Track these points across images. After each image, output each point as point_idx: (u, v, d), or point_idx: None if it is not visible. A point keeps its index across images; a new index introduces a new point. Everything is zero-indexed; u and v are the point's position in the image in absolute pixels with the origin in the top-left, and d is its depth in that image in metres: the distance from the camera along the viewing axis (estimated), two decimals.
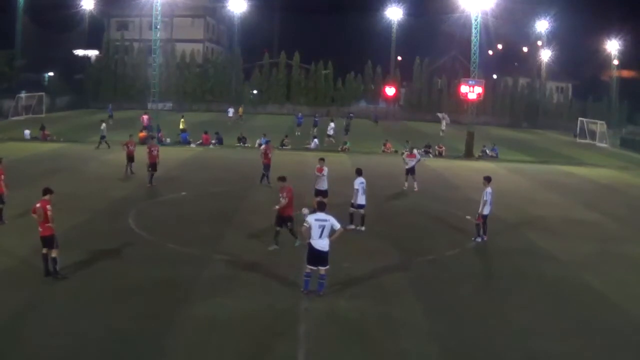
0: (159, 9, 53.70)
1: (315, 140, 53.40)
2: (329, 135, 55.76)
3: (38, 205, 16.90)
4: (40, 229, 16.83)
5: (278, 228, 20.54)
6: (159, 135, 50.69)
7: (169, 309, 15.18)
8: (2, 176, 22.85)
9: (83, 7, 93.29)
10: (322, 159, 26.94)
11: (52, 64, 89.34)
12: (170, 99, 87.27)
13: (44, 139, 49.90)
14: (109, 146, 45.11)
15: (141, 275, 17.52)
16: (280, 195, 20.44)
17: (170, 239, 21.25)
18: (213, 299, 15.92)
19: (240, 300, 15.89)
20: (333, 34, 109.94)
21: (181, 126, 54.93)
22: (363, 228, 23.42)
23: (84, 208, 25.34)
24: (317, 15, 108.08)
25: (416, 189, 33.42)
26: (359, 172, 24.04)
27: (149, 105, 56.55)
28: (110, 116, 65.91)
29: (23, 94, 73.50)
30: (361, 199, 23.52)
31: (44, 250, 16.83)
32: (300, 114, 70.63)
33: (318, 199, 23.51)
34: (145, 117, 55.41)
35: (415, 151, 36.15)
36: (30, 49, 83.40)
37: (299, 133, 61.97)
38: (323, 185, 26.09)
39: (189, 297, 16.01)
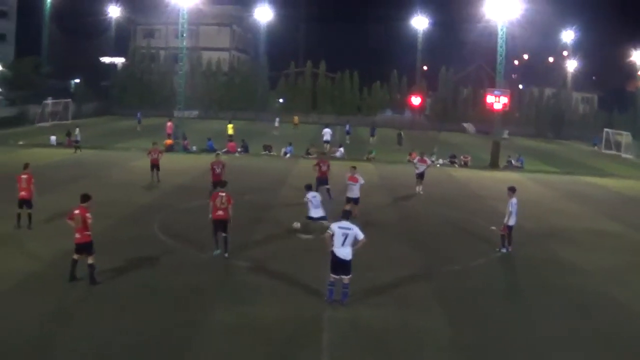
0: (185, 17, 53.98)
1: (341, 149, 53.41)
2: (327, 142, 56.18)
3: (77, 211, 16.96)
4: (78, 235, 16.89)
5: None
6: (185, 142, 50.97)
7: (194, 315, 15.25)
8: (32, 181, 23.06)
9: (110, 15, 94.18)
10: (353, 167, 27.19)
11: (78, 71, 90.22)
12: (196, 107, 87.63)
13: (70, 145, 50.31)
14: (80, 151, 46.74)
15: (167, 282, 17.62)
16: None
17: (195, 246, 21.35)
18: (237, 306, 15.96)
19: (265, 308, 15.92)
20: (359, 43, 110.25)
21: (230, 132, 55.46)
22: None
23: (109, 214, 25.39)
24: (343, 24, 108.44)
25: (421, 193, 34.44)
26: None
27: (175, 113, 56.76)
28: (139, 123, 66.33)
29: (49, 101, 74.22)
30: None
31: (76, 256, 16.93)
32: (348, 124, 70.82)
33: (348, 207, 23.57)
34: (169, 123, 55.73)
35: (426, 157, 37.20)
36: (57, 56, 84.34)
37: (348, 142, 62.40)
38: (354, 193, 26.18)
39: (214, 304, 16.07)
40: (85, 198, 17.34)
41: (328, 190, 29.76)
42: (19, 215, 22.73)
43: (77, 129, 49.29)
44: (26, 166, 23.72)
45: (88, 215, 16.94)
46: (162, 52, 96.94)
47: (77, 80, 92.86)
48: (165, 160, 35.37)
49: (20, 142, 51.67)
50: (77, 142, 48.19)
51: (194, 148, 50.95)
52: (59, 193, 29.52)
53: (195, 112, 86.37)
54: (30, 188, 22.89)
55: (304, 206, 24.01)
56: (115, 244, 21.05)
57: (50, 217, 24.13)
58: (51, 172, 36.07)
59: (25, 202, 22.77)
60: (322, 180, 30.25)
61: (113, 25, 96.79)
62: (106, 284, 17.09)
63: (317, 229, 22.94)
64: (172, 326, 14.58)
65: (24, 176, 23.02)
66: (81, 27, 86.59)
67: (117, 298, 16.19)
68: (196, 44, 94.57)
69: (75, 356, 12.96)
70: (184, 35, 54.81)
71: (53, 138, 51.85)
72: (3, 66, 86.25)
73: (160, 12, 75.04)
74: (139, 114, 71.40)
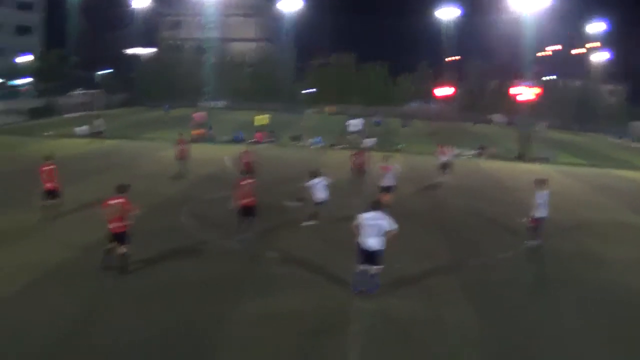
0: (212, 8, 54.13)
1: (371, 140, 53.27)
2: (353, 133, 55.90)
3: (114, 201, 17.12)
4: (114, 225, 17.05)
5: None
6: (210, 132, 51.20)
7: (221, 305, 15.39)
8: (55, 173, 23.15)
9: (136, 6, 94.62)
10: (387, 156, 27.30)
11: (105, 62, 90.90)
12: (223, 98, 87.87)
13: (97, 136, 50.68)
14: (104, 141, 47.04)
15: (194, 272, 17.77)
16: None
17: (222, 236, 21.45)
18: (265, 296, 16.10)
19: (292, 298, 16.05)
20: (387, 33, 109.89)
21: (263, 122, 55.78)
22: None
23: (137, 204, 25.60)
24: (371, 15, 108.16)
25: (445, 181, 34.63)
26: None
27: (202, 104, 57.08)
28: (167, 113, 66.75)
29: (77, 92, 74.85)
30: None
31: (110, 245, 17.13)
32: (376, 116, 70.70)
33: (382, 196, 23.67)
34: (198, 114, 55.94)
35: (448, 148, 37.45)
36: (84, 47, 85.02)
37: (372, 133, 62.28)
38: (388, 181, 26.23)
39: (241, 294, 16.20)
40: (124, 188, 17.53)
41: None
42: (45, 207, 22.89)
43: (101, 119, 49.70)
44: (49, 157, 23.72)
45: (130, 205, 17.23)
46: (188, 43, 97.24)
47: (105, 72, 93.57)
48: (193, 150, 35.48)
49: (48, 133, 52.17)
50: (100, 132, 48.57)
51: (224, 138, 51.09)
52: (87, 183, 29.85)
53: (221, 103, 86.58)
54: (55, 179, 23.00)
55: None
56: (143, 235, 21.01)
57: (78, 207, 24.37)
58: (79, 163, 36.41)
59: (51, 193, 22.92)
60: (358, 172, 30.42)
61: (140, 16, 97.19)
62: (135, 274, 17.27)
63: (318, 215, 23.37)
64: (199, 316, 14.71)
65: (48, 167, 23.08)
66: (108, 18, 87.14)
67: (145, 288, 16.37)
68: (222, 34, 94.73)
69: (103, 345, 13.15)
70: (211, 26, 54.96)
71: (81, 129, 52.27)
72: (32, 58, 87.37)
73: (187, 3, 75.49)
74: (167, 105, 71.74)
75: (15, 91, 79.35)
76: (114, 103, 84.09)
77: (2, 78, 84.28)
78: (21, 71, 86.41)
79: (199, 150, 38.61)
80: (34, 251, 19.17)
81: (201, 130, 51.61)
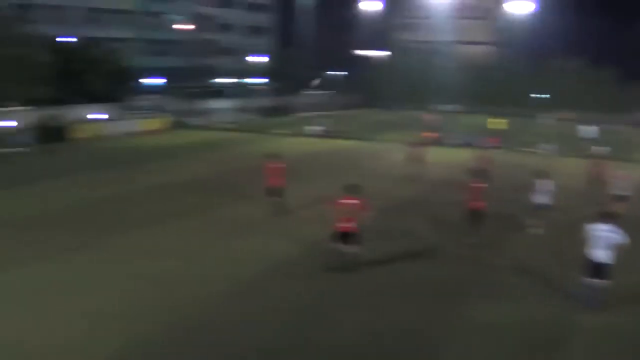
0: (443, 10, 54.36)
1: (604, 148, 51.26)
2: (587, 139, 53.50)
3: (348, 201, 17.64)
4: (346, 224, 17.50)
5: None
6: (442, 136, 51.28)
7: (445, 309, 15.60)
8: (282, 171, 24.46)
9: (368, 8, 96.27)
10: (620, 165, 26.49)
11: (339, 63, 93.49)
12: (456, 101, 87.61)
13: (329, 136, 52.61)
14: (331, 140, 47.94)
15: (420, 274, 18.07)
16: None
17: (451, 240, 21.74)
18: (491, 303, 16.13)
19: (517, 307, 15.98)
20: (623, 37, 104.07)
21: (500, 127, 55.22)
22: None
23: (371, 205, 26.54)
24: (609, 18, 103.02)
25: None
26: None
27: (434, 107, 57.40)
28: (400, 115, 67.77)
29: (312, 92, 77.87)
30: None
31: (336, 245, 17.74)
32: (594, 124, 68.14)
33: (614, 206, 22.79)
34: (428, 116, 56.20)
35: None
36: (319, 48, 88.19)
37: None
38: (622, 190, 25.59)
39: (468, 300, 16.35)
40: (357, 189, 18.02)
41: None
42: (272, 203, 24.39)
43: (330, 120, 51.46)
44: (275, 155, 25.12)
45: (367, 207, 17.78)
46: (423, 46, 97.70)
47: (339, 73, 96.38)
48: (427, 153, 35.85)
49: (281, 131, 55.06)
50: (328, 132, 50.31)
51: (454, 141, 51.11)
52: (318, 182, 31.36)
53: (454, 106, 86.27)
54: (281, 177, 24.27)
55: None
56: (372, 236, 21.67)
57: (307, 205, 25.90)
58: (312, 161, 38.31)
59: (275, 190, 24.24)
60: (595, 181, 29.69)
61: (375, 18, 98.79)
62: (360, 274, 17.72)
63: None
64: (420, 319, 14.94)
65: (275, 165, 24.42)
66: (341, 19, 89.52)
67: (368, 288, 16.84)
68: (455, 37, 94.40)
69: (318, 342, 13.67)
70: (443, 29, 55.19)
71: (312, 128, 54.53)
72: (266, 58, 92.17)
73: (420, 6, 76.09)
74: (399, 107, 72.49)
75: (250, 90, 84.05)
76: (347, 104, 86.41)
77: (236, 77, 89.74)
78: (255, 71, 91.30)
79: (433, 154, 38.90)
80: (262, 243, 20.60)
81: (433, 133, 51.75)
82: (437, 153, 41.90)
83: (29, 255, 18.82)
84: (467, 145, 48.51)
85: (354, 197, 17.80)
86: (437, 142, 49.60)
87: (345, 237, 17.55)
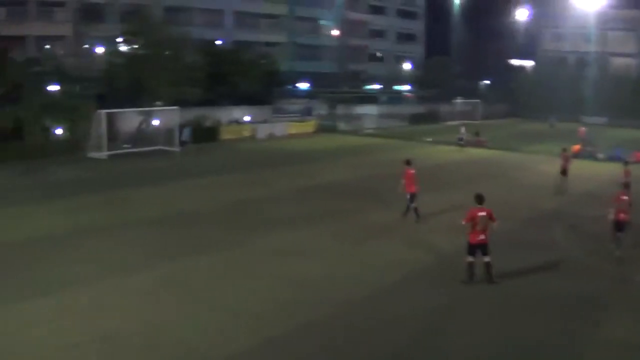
0: (593, 21, 52.42)
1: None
2: None
3: (482, 213, 17.28)
4: (480, 236, 17.26)
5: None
6: (591, 149, 49.55)
7: (579, 325, 14.97)
8: (415, 178, 24.63)
9: (518, 18, 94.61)
10: None
11: (486, 72, 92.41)
12: (604, 113, 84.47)
13: (478, 145, 51.82)
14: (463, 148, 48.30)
15: (558, 289, 17.43)
16: None
17: (593, 253, 21.00)
18: (628, 321, 15.42)
19: None
20: None
21: None
22: None
23: (513, 216, 26.00)
24: None
25: None
26: None
27: (583, 119, 55.56)
28: (552, 126, 66.09)
29: (459, 100, 77.29)
30: None
31: (471, 258, 17.36)
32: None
33: None
34: (582, 129, 54.55)
35: None
36: (466, 56, 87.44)
37: None
38: None
39: (606, 317, 15.63)
40: (483, 199, 17.63)
41: None
42: (409, 209, 24.54)
43: (463, 128, 50.64)
44: (409, 162, 25.16)
45: (494, 217, 17.39)
46: (569, 56, 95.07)
47: (486, 82, 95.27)
48: (574, 166, 34.82)
49: (429, 139, 54.68)
50: (461, 139, 49.45)
51: (601, 156, 49.25)
52: (462, 190, 30.89)
53: (603, 119, 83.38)
54: (415, 183, 24.45)
55: None
56: (513, 247, 21.44)
57: (443, 213, 25.86)
58: (457, 170, 37.98)
59: (413, 196, 24.40)
60: None
61: (521, 28, 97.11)
62: (496, 285, 17.45)
63: None
64: (557, 334, 14.45)
65: (411, 171, 24.65)
66: (490, 28, 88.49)
67: (502, 300, 16.46)
68: (603, 48, 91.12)
69: (448, 350, 13.54)
70: (592, 39, 53.26)
71: (460, 136, 53.83)
72: (414, 65, 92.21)
73: (568, 16, 74.08)
74: (552, 117, 70.80)
75: (399, 96, 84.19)
76: (493, 113, 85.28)
77: (385, 84, 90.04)
78: (404, 78, 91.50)
79: (579, 167, 37.72)
80: (397, 250, 20.68)
81: (578, 146, 50.10)
82: (584, 166, 40.59)
83: (184, 250, 20.21)
84: (617, 159, 46.39)
85: (483, 207, 17.45)
86: (584, 155, 47.78)
87: (479, 248, 17.37)
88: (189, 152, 42.60)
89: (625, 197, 20.80)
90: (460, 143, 49.96)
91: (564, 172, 33.21)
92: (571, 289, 17.44)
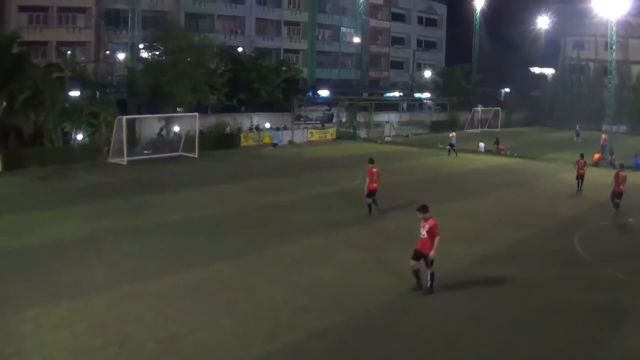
0: (614, 29, 52.04)
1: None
2: None
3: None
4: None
5: None
6: (611, 158, 49.12)
7: (597, 336, 14.83)
8: (375, 174, 26.66)
9: (539, 25, 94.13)
10: None
11: (507, 80, 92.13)
12: (625, 122, 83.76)
13: (498, 152, 51.64)
14: (456, 154, 48.67)
15: (576, 298, 17.29)
16: None
17: (611, 265, 20.73)
18: None
19: None
20: None
21: None
22: None
23: (532, 224, 26.04)
24: None
25: None
26: None
27: (603, 127, 55.17)
28: (577, 135, 65.73)
29: (479, 108, 77.09)
30: None
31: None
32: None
33: None
34: (604, 136, 54.13)
35: None
36: (486, 64, 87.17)
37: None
38: None
39: (621, 327, 15.50)
40: (426, 209, 17.08)
41: None
42: (369, 205, 26.61)
43: (454, 134, 51.32)
44: (372, 160, 27.42)
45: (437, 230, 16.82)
46: (591, 64, 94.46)
47: (507, 89, 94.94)
48: (592, 174, 34.62)
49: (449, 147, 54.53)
50: (451, 145, 49.67)
51: (619, 164, 48.70)
52: (480, 198, 31.16)
53: (623, 127, 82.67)
54: (378, 181, 26.64)
55: None
56: (532, 253, 21.61)
57: (462, 218, 26.07)
58: (478, 177, 37.82)
59: (373, 193, 26.46)
60: None
61: (542, 35, 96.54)
62: (513, 292, 17.54)
63: None
64: (574, 343, 14.35)
65: (374, 169, 26.65)
66: (510, 36, 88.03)
67: (521, 307, 16.43)
68: (625, 57, 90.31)
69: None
70: (613, 47, 52.88)
71: (482, 145, 53.74)
72: (434, 73, 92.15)
73: (590, 24, 73.72)
74: (577, 126, 70.38)
75: (419, 104, 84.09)
76: (514, 121, 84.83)
77: (406, 91, 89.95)
78: (424, 85, 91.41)
79: (598, 174, 37.54)
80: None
81: (598, 154, 49.67)
82: (604, 173, 40.02)
83: (202, 256, 20.35)
84: (636, 167, 45.96)
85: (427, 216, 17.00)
86: (603, 163, 47.36)
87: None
88: (206, 158, 42.66)
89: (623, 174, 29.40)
90: (452, 149, 50.44)
91: (580, 177, 34.38)
92: (590, 298, 17.32)
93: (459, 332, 14.76)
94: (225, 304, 15.95)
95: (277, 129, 55.77)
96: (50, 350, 13.03)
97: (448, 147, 49.98)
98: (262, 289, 17.20)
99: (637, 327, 15.64)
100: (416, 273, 16.96)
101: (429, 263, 16.75)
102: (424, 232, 16.84)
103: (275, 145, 51.42)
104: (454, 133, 52.15)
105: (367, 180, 26.58)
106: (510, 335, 14.66)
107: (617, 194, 29.23)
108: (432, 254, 16.58)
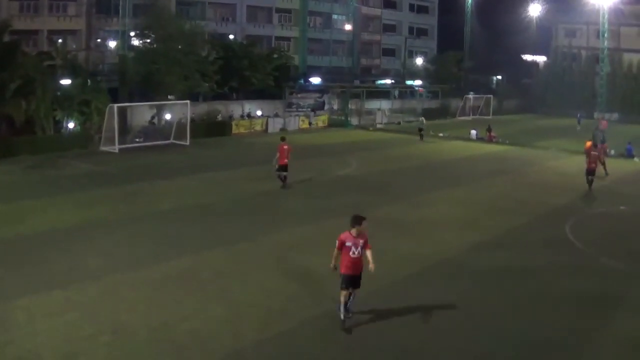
0: (606, 17, 52.13)
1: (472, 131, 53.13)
2: None
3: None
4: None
5: None
6: (603, 146, 49.01)
7: (590, 324, 14.86)
8: (286, 151, 28.85)
9: (531, 13, 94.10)
10: None
11: (499, 67, 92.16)
12: (616, 110, 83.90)
13: (490, 140, 51.70)
14: (422, 138, 50.79)
15: (568, 286, 17.33)
16: None
17: (604, 253, 20.75)
18: (638, 319, 15.32)
19: None
20: None
21: None
22: None
23: (524, 211, 26.09)
24: None
25: None
26: None
27: (595, 115, 55.30)
28: (579, 123, 65.86)
29: (471, 95, 77.12)
30: None
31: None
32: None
33: None
34: (604, 122, 54.11)
35: None
36: (478, 51, 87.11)
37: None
38: None
39: (614, 314, 15.57)
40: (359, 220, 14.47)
41: None
42: (281, 177, 29.14)
43: (423, 119, 54.34)
44: (284, 138, 30.08)
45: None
46: (583, 52, 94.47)
47: (499, 77, 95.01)
48: (581, 162, 34.59)
49: (441, 134, 54.62)
50: (421, 130, 51.69)
51: (612, 152, 48.84)
52: (472, 185, 31.21)
53: (615, 115, 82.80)
54: (289, 157, 28.89)
55: None
56: (523, 242, 21.63)
57: (454, 206, 25.75)
58: (470, 165, 37.88)
59: (284, 168, 28.85)
60: None
61: (534, 23, 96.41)
62: (506, 281, 17.57)
63: None
64: (565, 331, 14.36)
65: (285, 146, 28.81)
66: (502, 24, 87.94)
67: (514, 298, 16.40)
68: (617, 45, 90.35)
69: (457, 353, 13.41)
70: (605, 35, 52.97)
71: (474, 132, 53.78)
72: (426, 60, 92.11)
73: (581, 12, 73.78)
74: (579, 115, 70.19)
75: (411, 91, 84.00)
76: (506, 109, 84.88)
77: (397, 79, 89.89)
78: (416, 73, 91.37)
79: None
80: (407, 245, 20.74)
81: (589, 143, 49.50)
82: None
83: (194, 244, 20.51)
84: (628, 155, 46.01)
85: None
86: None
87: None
88: (197, 146, 42.54)
89: (595, 153, 31.59)
90: (421, 133, 51.51)
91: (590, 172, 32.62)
92: (583, 286, 17.38)
93: (452, 320, 14.80)
94: (218, 292, 15.99)
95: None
96: (42, 338, 13.02)
97: (419, 131, 51.55)
98: (254, 276, 17.24)
99: (630, 314, 15.64)
100: (346, 305, 14.17)
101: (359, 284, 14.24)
102: (357, 250, 14.13)
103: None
104: (422, 118, 54.25)
105: (278, 155, 28.88)
106: (502, 324, 14.69)
107: (590, 171, 31.51)
108: (373, 267, 14.03)
